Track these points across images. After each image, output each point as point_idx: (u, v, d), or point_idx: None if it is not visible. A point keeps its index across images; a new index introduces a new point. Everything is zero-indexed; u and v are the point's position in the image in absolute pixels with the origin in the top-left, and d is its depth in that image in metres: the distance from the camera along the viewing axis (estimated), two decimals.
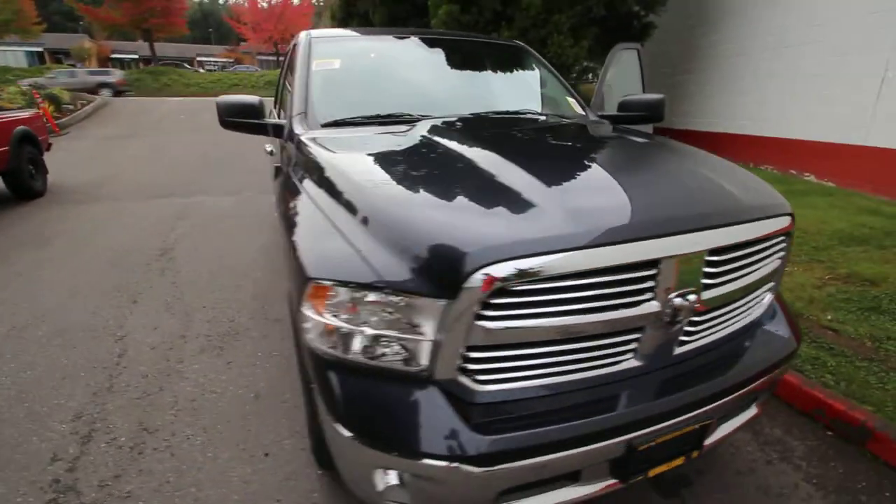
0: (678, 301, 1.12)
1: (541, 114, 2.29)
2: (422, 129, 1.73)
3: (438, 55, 2.38)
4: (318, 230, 1.26)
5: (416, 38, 2.46)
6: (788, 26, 6.05)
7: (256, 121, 2.04)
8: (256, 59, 41.89)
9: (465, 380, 1.09)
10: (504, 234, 1.03)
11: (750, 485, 1.71)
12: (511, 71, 2.50)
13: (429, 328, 1.05)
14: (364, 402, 1.12)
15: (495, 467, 1.05)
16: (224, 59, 44.60)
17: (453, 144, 1.54)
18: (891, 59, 4.88)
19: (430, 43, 2.46)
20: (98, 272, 3.63)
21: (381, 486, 1.13)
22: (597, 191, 1.23)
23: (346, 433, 1.12)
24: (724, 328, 1.33)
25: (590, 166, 1.46)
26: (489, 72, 2.44)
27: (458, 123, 1.87)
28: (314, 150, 1.61)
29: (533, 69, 2.53)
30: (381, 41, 2.40)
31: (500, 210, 1.13)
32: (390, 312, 1.07)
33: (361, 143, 1.73)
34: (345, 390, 1.14)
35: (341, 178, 1.36)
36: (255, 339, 2.68)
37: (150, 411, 2.09)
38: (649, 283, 1.10)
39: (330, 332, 1.14)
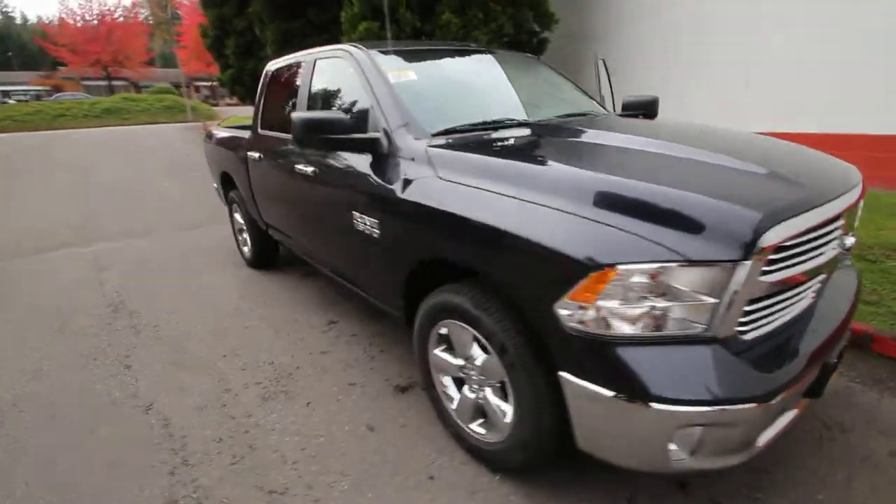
0: (848, 241, 1.43)
1: (597, 113, 2.54)
2: (560, 132, 1.89)
3: (484, 65, 2.49)
4: (555, 222, 1.30)
5: (454, 51, 2.53)
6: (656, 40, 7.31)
7: (344, 136, 1.94)
8: (82, 84, 36.00)
9: (740, 330, 1.24)
10: (775, 199, 1.23)
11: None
12: (541, 77, 2.71)
13: (713, 292, 1.18)
14: (660, 369, 1.21)
15: (775, 400, 1.23)
16: (38, 87, 37.39)
17: (614, 138, 1.71)
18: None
19: (465, 54, 2.55)
20: (48, 344, 2.92)
21: (675, 447, 1.22)
22: (789, 163, 1.50)
23: (646, 405, 1.19)
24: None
25: (743, 146, 1.72)
26: (528, 79, 2.62)
27: (576, 124, 2.04)
28: (472, 156, 1.63)
29: (554, 75, 2.78)
30: (429, 54, 2.42)
31: (746, 181, 1.34)
32: (684, 285, 1.18)
33: (524, 145, 1.83)
34: (640, 364, 1.21)
35: (552, 173, 1.42)
36: (316, 375, 2.45)
37: (262, 473, 1.82)
38: (835, 233, 1.39)
39: (612, 313, 1.21)
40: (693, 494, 1.61)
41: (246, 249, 4.17)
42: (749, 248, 1.16)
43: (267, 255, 4.00)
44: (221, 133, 4.13)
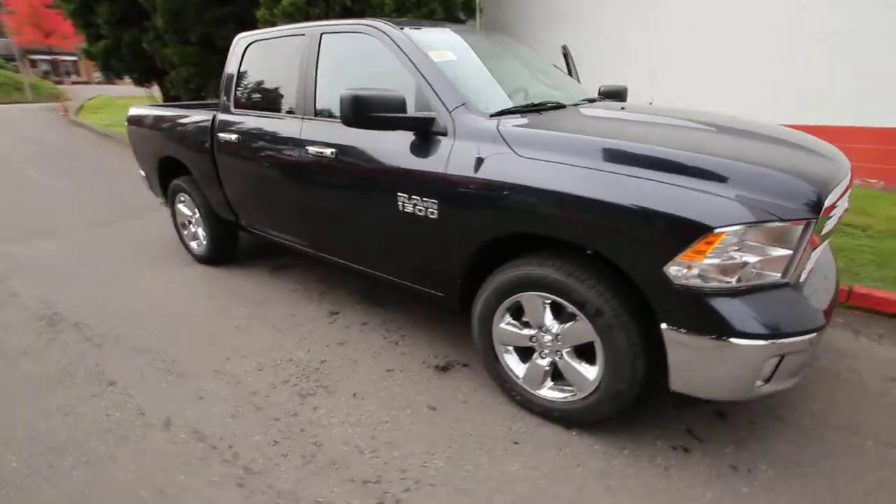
0: (843, 207, 1.81)
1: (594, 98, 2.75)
2: (607, 110, 2.12)
3: (500, 47, 2.54)
4: (663, 193, 1.45)
5: (465, 33, 2.53)
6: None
7: (402, 115, 1.89)
8: None
9: (797, 274, 1.53)
10: (825, 170, 1.53)
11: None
12: (543, 62, 2.84)
13: (790, 246, 1.45)
14: (753, 312, 1.44)
15: (825, 327, 1.55)
16: None
17: (671, 120, 1.94)
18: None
19: (472, 36, 2.57)
20: None
21: (765, 376, 1.48)
22: (815, 143, 1.83)
23: (747, 342, 1.42)
24: None
25: (772, 129, 2.02)
26: (536, 63, 2.72)
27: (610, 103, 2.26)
28: (558, 134, 1.72)
29: (543, 59, 2.94)
30: (444, 33, 2.39)
31: (801, 156, 1.64)
32: (768, 242, 1.42)
33: (597, 124, 2.02)
34: (736, 310, 1.43)
35: (641, 149, 1.56)
36: (346, 366, 2.36)
37: (344, 466, 1.74)
38: (842, 201, 1.75)
39: (715, 268, 1.42)
40: (732, 420, 1.93)
41: (195, 244, 3.75)
42: (818, 209, 1.43)
43: (226, 250, 3.64)
44: (158, 112, 3.61)
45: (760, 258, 1.44)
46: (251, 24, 8.45)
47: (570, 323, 1.75)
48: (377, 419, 1.99)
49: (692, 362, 1.53)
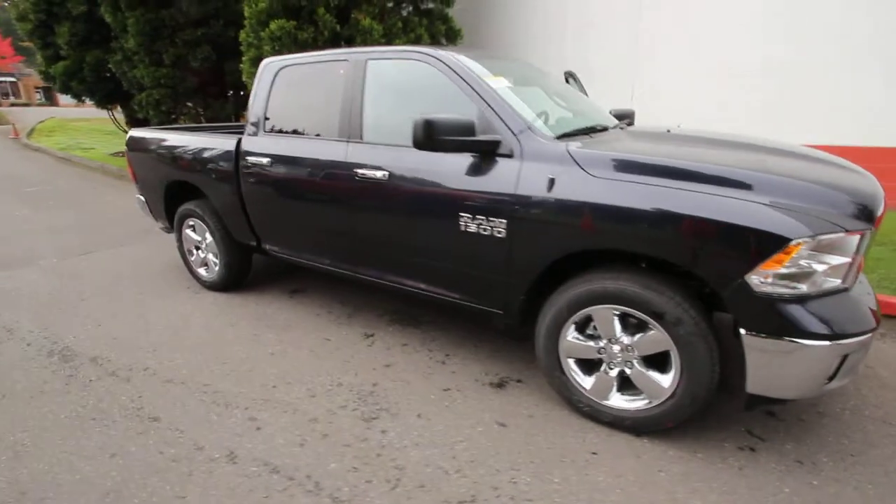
0: None
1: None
2: (667, 137, 2.28)
3: (528, 72, 2.66)
4: (744, 209, 1.57)
5: (495, 59, 2.62)
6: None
7: (471, 138, 1.95)
8: None
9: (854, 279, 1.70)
10: (872, 187, 1.72)
11: None
12: (565, 85, 2.99)
13: (850, 254, 1.61)
14: (823, 315, 1.58)
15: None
16: None
17: (724, 143, 2.10)
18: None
19: (504, 62, 2.68)
20: (21, 410, 2.18)
21: (832, 371, 1.62)
22: (851, 167, 2.03)
23: (819, 342, 1.56)
24: None
25: (811, 151, 2.21)
26: (562, 87, 2.86)
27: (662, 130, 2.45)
28: (618, 154, 1.83)
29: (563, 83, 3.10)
30: (487, 59, 2.48)
31: (852, 176, 1.83)
32: (832, 251, 1.58)
33: (647, 144, 2.16)
34: (809, 314, 1.57)
35: (716, 169, 1.70)
36: (400, 387, 2.34)
37: (434, 488, 1.73)
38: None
39: (791, 276, 1.55)
40: (783, 418, 2.07)
41: (203, 271, 3.62)
42: (872, 221, 1.61)
43: (240, 275, 3.53)
44: (167, 136, 3.50)
45: (826, 266, 1.59)
46: (227, 47, 8.33)
47: (644, 333, 1.84)
48: (450, 439, 1.99)
49: (769, 365, 1.65)
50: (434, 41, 7.04)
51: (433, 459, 1.87)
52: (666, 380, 1.84)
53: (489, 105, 2.05)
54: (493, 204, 2.00)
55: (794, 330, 1.58)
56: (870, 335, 1.65)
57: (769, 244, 1.54)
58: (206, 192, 3.24)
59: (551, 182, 1.87)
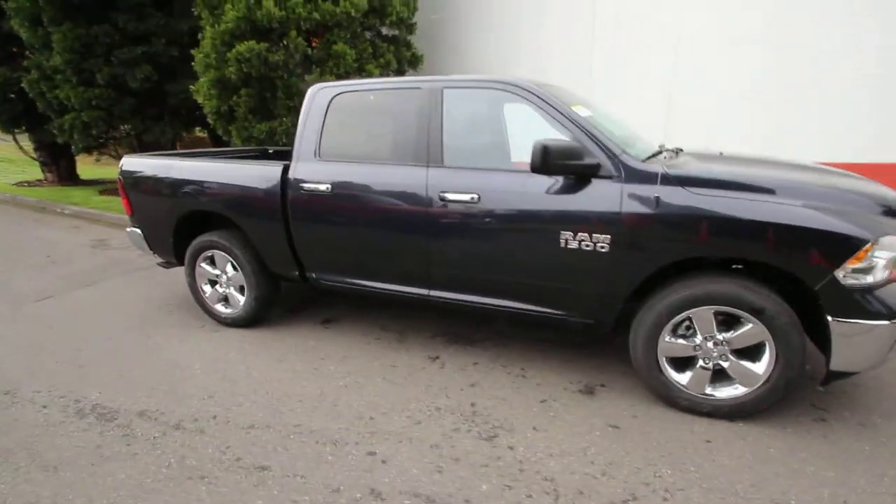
0: None
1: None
2: (727, 159, 2.60)
3: (577, 98, 2.88)
4: (831, 217, 1.89)
5: (553, 86, 2.80)
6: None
7: (582, 163, 2.12)
8: None
9: None
10: None
11: None
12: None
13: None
14: (886, 300, 1.94)
15: None
16: None
17: (777, 165, 2.45)
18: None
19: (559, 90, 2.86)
20: (71, 481, 1.88)
21: (892, 344, 1.99)
22: (875, 183, 2.45)
23: (886, 322, 1.91)
24: None
25: (841, 173, 2.61)
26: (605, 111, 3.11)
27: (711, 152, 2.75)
28: (718, 169, 2.12)
29: None
30: (552, 89, 2.64)
31: (880, 188, 2.21)
32: (890, 248, 1.95)
33: (720, 165, 2.41)
34: (882, 298, 1.92)
35: (799, 185, 2.02)
36: (501, 404, 2.39)
37: (592, 495, 1.81)
38: None
39: (866, 270, 1.90)
40: (833, 391, 2.43)
41: (221, 307, 3.37)
42: None
43: (268, 309, 3.34)
44: (186, 164, 3.24)
45: (885, 260, 1.96)
46: (170, 66, 7.76)
47: (739, 329, 2.10)
48: (577, 445, 2.08)
49: (850, 344, 1.98)
50: (400, 66, 7.17)
51: (575, 467, 1.96)
52: (760, 367, 2.11)
53: (586, 132, 2.23)
54: (597, 221, 2.17)
55: (869, 313, 1.92)
56: None
57: (853, 245, 1.87)
58: (240, 222, 3.05)
59: (657, 200, 2.08)
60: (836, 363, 2.02)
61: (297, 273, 3.06)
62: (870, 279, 1.93)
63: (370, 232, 2.69)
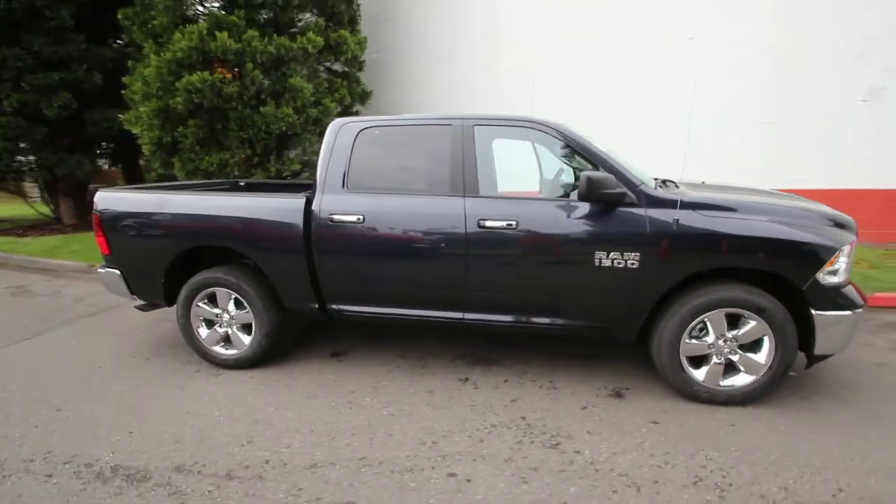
0: None
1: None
2: (719, 187, 3.01)
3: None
4: (813, 232, 2.38)
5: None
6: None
7: (616, 191, 2.42)
8: None
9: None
10: (847, 216, 2.72)
11: None
12: None
13: (850, 258, 2.55)
14: (850, 295, 2.47)
15: None
16: None
17: (760, 192, 2.94)
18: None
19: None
20: None
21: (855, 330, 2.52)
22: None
23: (852, 312, 2.43)
24: None
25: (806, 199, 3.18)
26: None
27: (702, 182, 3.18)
28: (718, 196, 2.52)
29: None
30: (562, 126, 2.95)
31: (837, 211, 2.78)
32: (847, 255, 2.49)
33: (716, 192, 2.79)
34: (850, 294, 2.45)
35: (786, 207, 2.50)
36: (546, 415, 2.54)
37: (668, 477, 2.03)
38: None
39: (835, 272, 2.42)
40: (818, 369, 2.94)
41: (219, 348, 3.15)
42: (856, 235, 2.60)
43: (278, 346, 3.20)
44: (187, 198, 3.05)
45: (845, 264, 2.50)
46: (91, 94, 7.07)
47: (742, 327, 2.51)
48: (632, 443, 2.30)
49: (829, 331, 2.46)
50: (353, 101, 7.27)
51: (640, 461, 2.17)
52: (761, 358, 2.52)
53: (608, 165, 2.56)
54: (629, 242, 2.48)
55: (840, 305, 2.43)
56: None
57: (829, 252, 2.37)
58: (254, 256, 2.93)
59: (676, 222, 2.45)
60: (819, 348, 2.49)
61: (315, 306, 2.99)
62: (836, 279, 2.44)
63: (406, 259, 2.76)
